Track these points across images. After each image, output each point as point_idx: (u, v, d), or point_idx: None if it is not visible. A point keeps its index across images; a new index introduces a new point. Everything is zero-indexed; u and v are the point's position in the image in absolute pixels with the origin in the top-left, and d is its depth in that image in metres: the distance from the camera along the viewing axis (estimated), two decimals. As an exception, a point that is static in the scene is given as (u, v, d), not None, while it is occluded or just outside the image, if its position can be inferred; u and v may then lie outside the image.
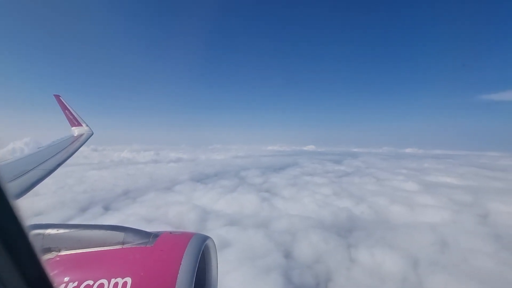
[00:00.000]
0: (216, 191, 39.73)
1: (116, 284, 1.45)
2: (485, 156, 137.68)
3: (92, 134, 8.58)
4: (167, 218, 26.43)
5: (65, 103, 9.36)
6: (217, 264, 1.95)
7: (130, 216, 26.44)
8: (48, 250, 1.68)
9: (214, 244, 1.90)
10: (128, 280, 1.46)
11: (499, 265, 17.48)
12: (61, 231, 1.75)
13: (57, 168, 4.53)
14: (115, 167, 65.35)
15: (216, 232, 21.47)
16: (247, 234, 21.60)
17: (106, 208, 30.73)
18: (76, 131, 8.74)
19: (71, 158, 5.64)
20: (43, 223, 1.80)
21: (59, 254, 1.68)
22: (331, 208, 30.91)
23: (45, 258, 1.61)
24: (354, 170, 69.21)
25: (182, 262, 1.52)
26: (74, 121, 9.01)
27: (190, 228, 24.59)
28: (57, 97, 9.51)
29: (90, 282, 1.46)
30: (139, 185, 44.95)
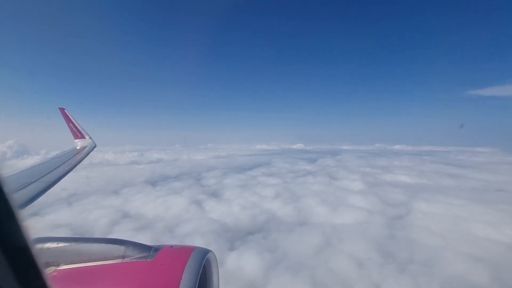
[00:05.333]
0: (159, 193, 40.37)
1: None
2: (468, 152, 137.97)
3: (95, 146, 8.77)
4: (81, 223, 27.24)
5: (70, 116, 9.40)
6: (218, 278, 1.97)
7: (45, 221, 27.27)
8: (47, 264, 1.65)
9: (216, 258, 1.94)
10: None
11: (355, 266, 18.22)
12: (61, 244, 1.72)
13: (59, 181, 4.63)
14: (80, 169, 66.21)
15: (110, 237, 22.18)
16: (136, 239, 22.27)
17: (34, 214, 31.43)
18: (79, 143, 8.93)
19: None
20: (43, 236, 1.77)
21: (58, 268, 1.65)
22: (254, 211, 31.46)
23: (47, 272, 1.57)
24: (319, 169, 69.72)
25: (182, 277, 1.51)
26: (78, 134, 9.14)
27: (95, 232, 25.47)
28: (62, 110, 9.51)
29: None
30: (88, 189, 45.79)
